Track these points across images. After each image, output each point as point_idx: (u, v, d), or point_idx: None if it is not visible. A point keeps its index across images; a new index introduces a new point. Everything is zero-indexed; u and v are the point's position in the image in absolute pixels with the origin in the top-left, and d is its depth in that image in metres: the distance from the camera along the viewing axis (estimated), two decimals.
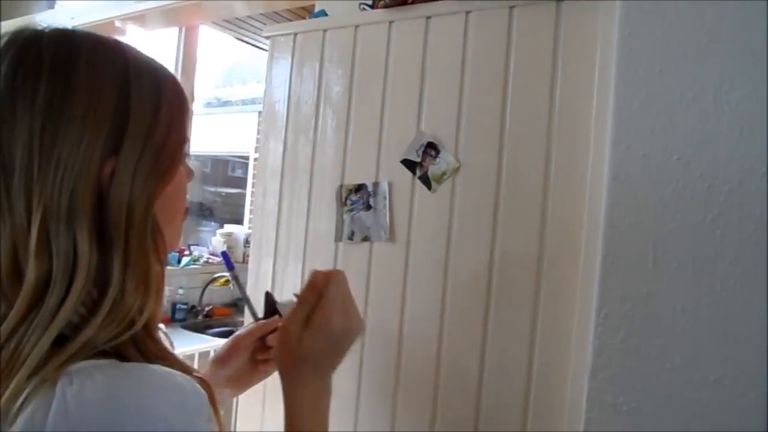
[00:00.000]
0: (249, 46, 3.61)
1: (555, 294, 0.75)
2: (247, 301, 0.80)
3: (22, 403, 0.43)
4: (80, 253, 0.47)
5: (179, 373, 0.48)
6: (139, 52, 0.56)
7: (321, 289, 0.62)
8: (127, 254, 0.50)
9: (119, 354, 0.49)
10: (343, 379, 0.82)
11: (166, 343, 0.56)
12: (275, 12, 2.05)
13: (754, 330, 0.58)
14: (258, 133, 3.97)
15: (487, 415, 0.78)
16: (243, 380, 0.77)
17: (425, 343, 0.85)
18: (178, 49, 2.77)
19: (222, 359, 0.75)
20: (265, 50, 3.78)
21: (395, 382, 0.87)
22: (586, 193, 0.72)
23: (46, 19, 1.97)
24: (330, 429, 0.61)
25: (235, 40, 3.48)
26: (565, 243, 0.74)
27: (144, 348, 0.51)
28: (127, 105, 0.52)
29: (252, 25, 3.16)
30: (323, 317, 0.61)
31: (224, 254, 0.84)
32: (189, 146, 0.59)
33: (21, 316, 0.46)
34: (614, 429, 0.64)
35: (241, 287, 0.81)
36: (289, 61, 1.03)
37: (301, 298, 0.63)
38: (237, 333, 0.76)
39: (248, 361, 0.76)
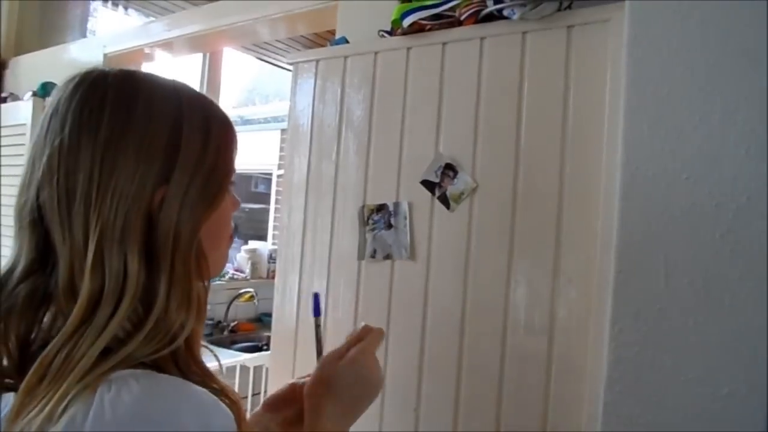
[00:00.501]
0: (269, 65, 3.70)
1: (571, 310, 0.77)
2: (319, 352, 0.74)
3: (66, 406, 0.47)
4: (130, 272, 0.52)
5: (209, 393, 0.52)
6: (192, 91, 0.61)
7: (363, 335, 0.68)
8: (172, 275, 0.54)
9: (158, 367, 0.53)
10: None
11: (209, 360, 0.60)
12: (297, 35, 2.12)
13: (763, 342, 0.59)
14: (281, 150, 4.04)
15: (507, 426, 0.81)
16: (293, 427, 0.74)
17: (446, 356, 0.87)
18: (202, 73, 2.87)
19: (274, 405, 0.75)
20: (285, 69, 3.84)
21: (417, 394, 0.90)
22: (600, 212, 0.75)
23: (79, 48, 2.06)
24: None
25: (256, 59, 3.58)
26: (580, 261, 0.77)
27: (183, 364, 0.55)
28: (179, 139, 0.57)
29: (273, 46, 3.25)
30: (359, 355, 0.66)
31: (316, 298, 0.75)
32: (234, 177, 0.63)
33: (74, 328, 0.50)
34: None
35: (320, 338, 0.74)
36: (312, 86, 1.08)
37: (347, 339, 0.68)
38: (294, 381, 0.75)
39: (300, 410, 0.72)
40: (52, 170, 0.54)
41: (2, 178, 1.89)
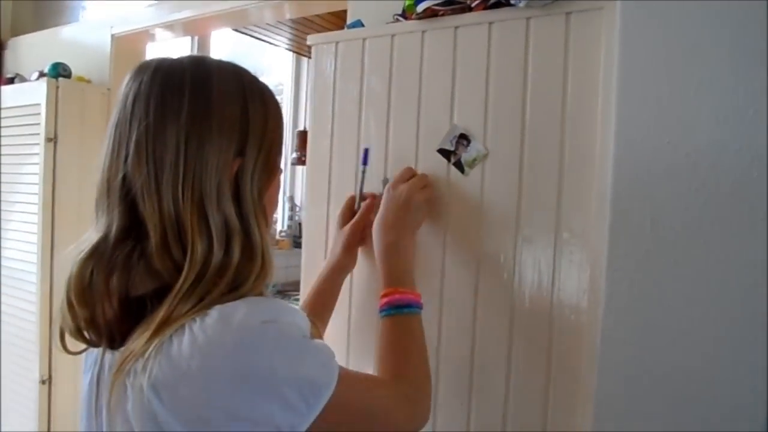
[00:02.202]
0: (246, 39, 3.68)
1: (571, 259, 0.92)
2: (360, 192, 1.10)
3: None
4: (233, 229, 0.64)
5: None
6: (248, 73, 0.72)
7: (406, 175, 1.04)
8: (260, 228, 0.67)
9: None
10: None
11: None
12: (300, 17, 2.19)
13: (732, 275, 0.74)
14: None
15: (517, 350, 0.95)
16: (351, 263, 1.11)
17: (461, 313, 1.02)
18: (191, 51, 2.92)
19: (347, 245, 1.08)
20: (265, 41, 3.86)
21: (438, 335, 1.04)
22: (595, 173, 0.88)
23: (87, 29, 2.12)
24: None
25: (234, 33, 3.56)
26: (579, 216, 0.91)
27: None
28: (247, 118, 0.68)
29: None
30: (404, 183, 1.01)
31: (366, 151, 1.11)
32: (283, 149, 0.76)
33: (192, 281, 0.61)
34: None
35: (362, 183, 1.10)
36: (333, 66, 1.19)
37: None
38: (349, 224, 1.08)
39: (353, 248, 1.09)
40: (140, 151, 0.63)
41: (17, 156, 1.96)
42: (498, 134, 0.99)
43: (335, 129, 1.19)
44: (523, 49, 0.96)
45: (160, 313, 0.60)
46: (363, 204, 1.09)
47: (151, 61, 0.69)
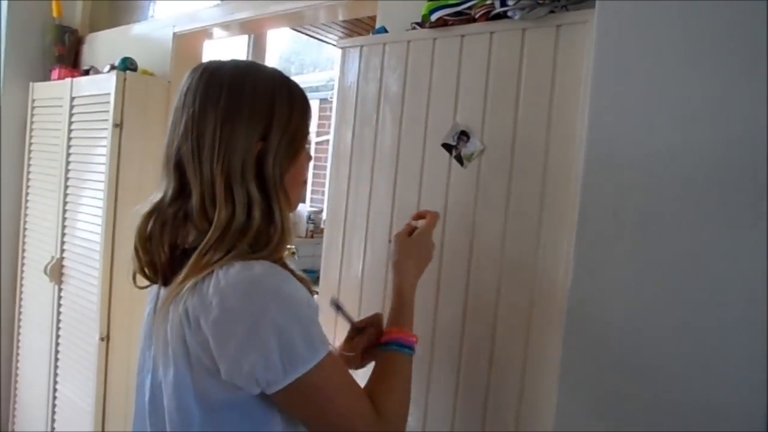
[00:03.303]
0: (304, 37, 3.89)
1: (550, 236, 1.03)
2: (350, 321, 1.07)
3: (202, 278, 0.75)
4: (254, 199, 0.79)
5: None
6: (281, 75, 0.87)
7: (423, 214, 1.09)
8: (279, 202, 0.82)
9: None
10: None
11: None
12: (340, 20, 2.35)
13: (681, 253, 0.84)
14: (320, 119, 4.31)
15: (501, 332, 1.08)
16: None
17: (457, 288, 1.15)
18: (248, 47, 3.13)
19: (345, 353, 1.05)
20: (322, 40, 4.04)
21: (432, 327, 1.18)
22: (573, 166, 1.00)
23: (151, 27, 2.35)
24: None
25: (292, 31, 3.78)
26: (558, 202, 1.02)
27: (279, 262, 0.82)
28: (273, 109, 0.82)
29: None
30: (423, 230, 1.05)
31: (336, 303, 1.07)
32: (309, 138, 0.90)
33: (215, 238, 0.77)
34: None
35: (346, 316, 1.06)
36: (357, 66, 1.34)
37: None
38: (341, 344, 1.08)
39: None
40: (187, 131, 0.81)
41: (89, 140, 2.21)
42: (494, 131, 1.11)
43: (356, 123, 1.34)
44: (519, 56, 1.08)
45: (194, 260, 0.77)
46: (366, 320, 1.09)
47: (203, 63, 0.86)
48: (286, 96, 0.86)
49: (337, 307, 1.06)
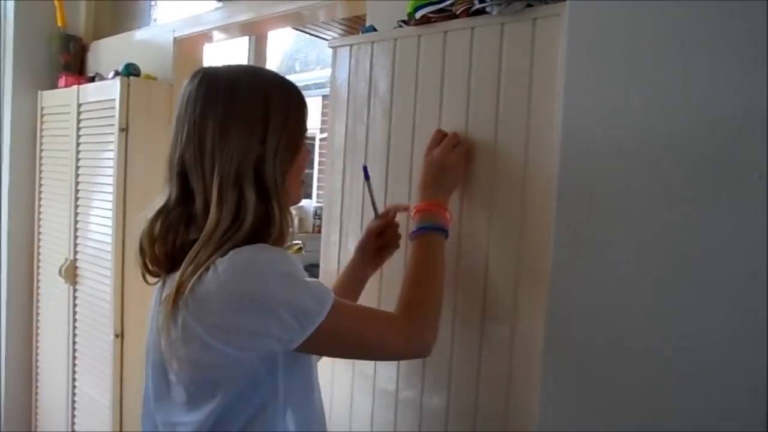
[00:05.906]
0: (307, 34, 3.95)
1: (533, 222, 1.08)
2: (373, 202, 1.21)
3: (206, 267, 0.81)
4: (248, 203, 0.83)
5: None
6: (276, 77, 0.92)
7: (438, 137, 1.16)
8: (279, 203, 0.86)
9: None
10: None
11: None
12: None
13: (650, 235, 0.89)
14: (322, 115, 4.36)
15: (489, 313, 1.13)
16: (371, 264, 1.23)
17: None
18: (249, 47, 3.19)
19: (362, 245, 1.21)
20: (322, 38, 4.11)
21: None
22: (550, 155, 1.04)
23: (152, 33, 2.41)
24: None
25: (294, 30, 3.83)
26: (540, 189, 1.07)
27: None
28: (269, 112, 0.86)
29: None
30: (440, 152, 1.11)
31: (365, 168, 1.23)
32: (306, 136, 0.94)
33: (206, 237, 0.82)
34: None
35: (371, 191, 1.21)
36: (348, 64, 1.39)
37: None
38: (368, 225, 1.22)
39: (373, 250, 1.21)
40: (189, 137, 0.86)
41: (97, 144, 2.29)
42: (477, 121, 1.16)
43: (349, 120, 1.39)
44: (498, 49, 1.13)
45: (191, 255, 0.83)
46: (390, 206, 1.23)
47: (202, 68, 0.91)
48: (282, 98, 0.90)
49: (366, 174, 1.20)
